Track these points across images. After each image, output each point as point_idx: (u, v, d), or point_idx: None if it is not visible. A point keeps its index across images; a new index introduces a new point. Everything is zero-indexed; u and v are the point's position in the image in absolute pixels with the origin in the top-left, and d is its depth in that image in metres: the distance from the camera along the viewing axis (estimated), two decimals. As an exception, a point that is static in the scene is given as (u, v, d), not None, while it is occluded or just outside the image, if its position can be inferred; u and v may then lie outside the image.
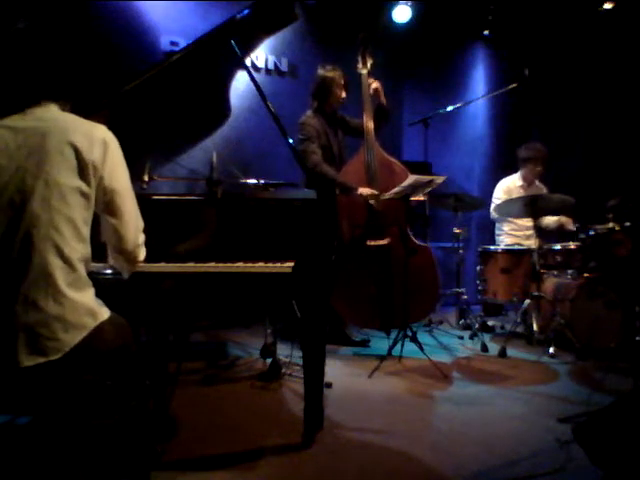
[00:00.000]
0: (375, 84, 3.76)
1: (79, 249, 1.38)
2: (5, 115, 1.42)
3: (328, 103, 3.70)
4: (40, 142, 1.37)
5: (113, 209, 1.46)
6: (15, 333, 1.30)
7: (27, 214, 1.32)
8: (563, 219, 4.30)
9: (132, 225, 1.51)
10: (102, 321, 1.41)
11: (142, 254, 1.58)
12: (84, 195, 1.39)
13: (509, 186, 4.52)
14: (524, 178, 4.49)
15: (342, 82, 3.67)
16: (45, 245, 1.32)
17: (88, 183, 1.39)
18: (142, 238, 1.57)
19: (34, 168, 1.35)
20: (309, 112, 3.70)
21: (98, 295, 1.46)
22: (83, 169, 1.38)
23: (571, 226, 4.21)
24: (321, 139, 3.64)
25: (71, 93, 1.52)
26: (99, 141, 1.43)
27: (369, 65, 3.76)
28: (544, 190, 4.47)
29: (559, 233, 4.37)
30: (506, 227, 4.53)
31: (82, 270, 1.40)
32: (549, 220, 4.35)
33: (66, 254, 1.34)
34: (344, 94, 3.70)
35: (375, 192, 3.53)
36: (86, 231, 1.41)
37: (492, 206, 4.44)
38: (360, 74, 3.76)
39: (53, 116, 1.44)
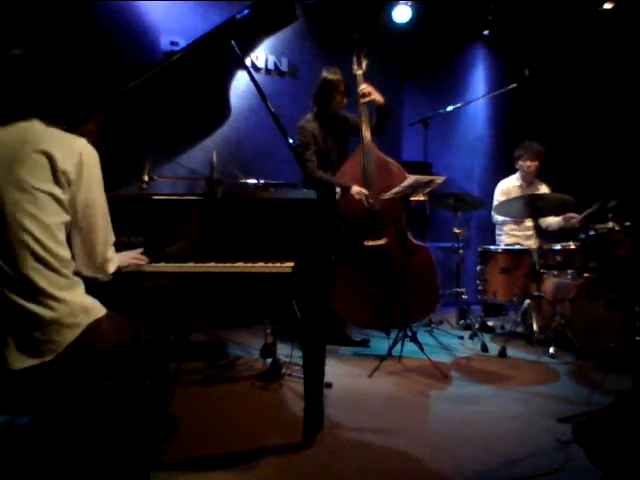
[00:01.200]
0: (365, 89, 3.64)
1: (58, 253, 1.38)
2: None
3: (329, 108, 3.69)
4: (14, 151, 1.38)
5: (84, 223, 1.47)
6: (5, 337, 1.30)
7: (2, 221, 1.33)
8: (569, 214, 4.25)
9: (101, 239, 1.52)
10: (97, 318, 1.41)
11: (112, 267, 1.57)
12: (58, 201, 1.39)
13: (508, 187, 4.53)
14: (522, 178, 4.49)
15: (342, 88, 3.65)
16: (23, 251, 1.33)
17: (63, 190, 1.39)
18: (111, 252, 1.57)
19: (7, 175, 1.35)
20: (309, 116, 3.69)
21: (98, 295, 1.47)
22: (57, 177, 1.38)
23: (575, 220, 4.16)
24: (318, 144, 3.63)
25: (62, 113, 1.53)
26: (76, 154, 1.43)
27: (364, 66, 3.75)
28: (545, 188, 4.47)
29: (559, 233, 4.36)
30: (506, 227, 4.54)
31: (66, 271, 1.40)
32: (552, 220, 4.34)
33: (45, 259, 1.35)
34: (345, 100, 3.70)
35: (364, 191, 3.52)
36: (62, 236, 1.41)
37: (492, 209, 4.45)
38: (355, 75, 3.76)
39: (31, 127, 1.45)
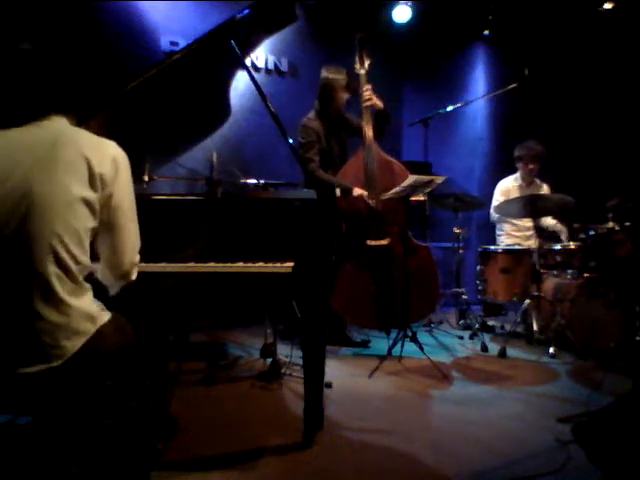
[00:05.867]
0: (367, 93, 3.63)
1: (80, 258, 1.37)
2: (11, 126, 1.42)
3: (332, 106, 3.69)
4: (50, 153, 1.36)
5: (115, 226, 1.45)
6: (17, 341, 1.30)
7: (31, 222, 1.31)
8: (558, 227, 4.31)
9: (130, 244, 1.51)
10: (102, 324, 1.41)
11: (135, 273, 1.56)
12: (90, 206, 1.38)
13: (507, 187, 4.53)
14: (522, 177, 4.50)
15: (345, 84, 3.65)
16: (44, 253, 1.31)
17: (96, 194, 1.38)
18: (137, 258, 1.56)
19: (42, 177, 1.33)
20: (311, 114, 3.69)
21: (99, 296, 1.47)
22: (93, 180, 1.37)
23: (564, 236, 4.24)
24: (321, 143, 3.64)
25: (76, 104, 1.52)
26: (110, 158, 1.42)
27: (367, 65, 3.75)
28: (545, 189, 4.47)
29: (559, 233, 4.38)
30: (506, 227, 4.54)
31: (80, 278, 1.39)
32: (550, 222, 4.36)
33: (65, 262, 1.33)
34: (347, 96, 3.69)
35: (364, 192, 3.52)
36: (88, 242, 1.41)
37: (491, 208, 4.45)
38: (358, 74, 3.76)
39: (61, 128, 1.44)
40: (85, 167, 1.37)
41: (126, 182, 1.48)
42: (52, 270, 1.32)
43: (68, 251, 1.34)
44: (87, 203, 1.37)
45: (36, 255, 1.30)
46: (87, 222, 1.39)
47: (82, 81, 1.52)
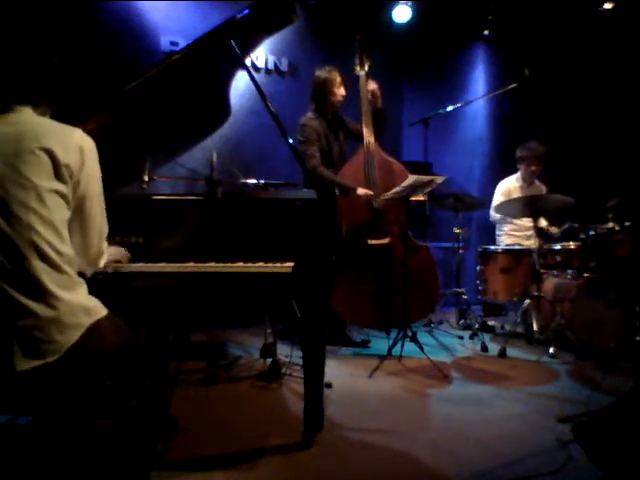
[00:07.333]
0: (372, 85, 3.74)
1: (62, 250, 1.38)
2: None
3: (327, 104, 3.69)
4: (15, 146, 1.36)
5: (83, 214, 1.47)
6: (9, 338, 1.30)
7: (8, 219, 1.32)
8: (543, 223, 4.24)
9: (97, 231, 1.52)
10: (99, 318, 1.41)
11: (103, 260, 1.59)
12: (62, 196, 1.39)
13: (508, 187, 4.53)
14: (523, 178, 4.49)
15: (338, 81, 3.66)
16: (29, 249, 1.32)
17: (65, 184, 1.39)
18: (105, 245, 1.57)
19: (11, 172, 1.34)
20: (310, 113, 3.69)
21: (98, 295, 1.47)
22: (59, 172, 1.38)
23: (555, 230, 4.22)
24: (321, 142, 3.64)
25: (48, 98, 1.52)
26: (75, 146, 1.42)
27: (367, 67, 3.76)
28: (543, 189, 4.47)
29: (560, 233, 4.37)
30: (506, 227, 4.54)
31: (70, 270, 1.40)
32: (542, 223, 4.34)
33: (50, 256, 1.34)
34: (343, 92, 3.70)
35: (370, 192, 3.53)
36: (66, 232, 1.42)
37: (491, 208, 4.45)
38: (358, 76, 3.76)
39: (27, 120, 1.44)
40: (48, 159, 1.37)
41: (93, 170, 1.48)
42: (38, 265, 1.33)
43: (48, 243, 1.35)
44: (59, 194, 1.38)
45: (20, 252, 1.32)
46: (61, 213, 1.40)
47: (49, 71, 1.51)
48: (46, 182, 1.36)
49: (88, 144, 1.47)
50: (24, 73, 1.46)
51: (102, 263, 1.59)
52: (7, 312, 1.31)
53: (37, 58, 1.48)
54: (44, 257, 1.34)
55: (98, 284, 1.53)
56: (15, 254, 1.31)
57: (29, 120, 1.44)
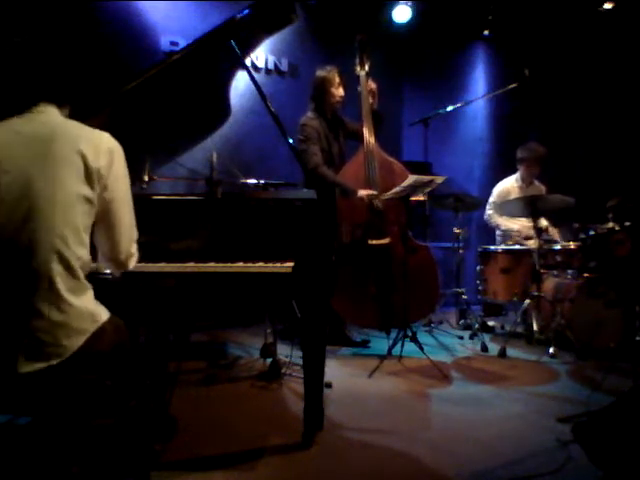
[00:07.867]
0: (372, 85, 3.76)
1: (80, 255, 1.37)
2: (3, 117, 1.42)
3: (326, 104, 3.69)
4: (47, 148, 1.36)
5: (110, 217, 1.46)
6: (17, 340, 1.30)
7: (32, 220, 1.31)
8: (543, 223, 4.24)
9: (126, 235, 1.52)
10: (102, 323, 1.41)
11: (133, 263, 1.58)
12: (88, 201, 1.39)
13: (507, 187, 4.52)
14: (522, 178, 4.49)
15: (337, 80, 3.66)
16: (48, 252, 1.31)
17: (93, 190, 1.39)
18: (135, 248, 1.57)
19: (40, 174, 1.34)
20: (309, 113, 3.69)
21: (98, 296, 1.46)
22: (89, 176, 1.38)
23: (555, 235, 4.23)
24: (321, 142, 3.64)
25: (69, 96, 1.52)
26: (105, 150, 1.43)
27: (367, 67, 3.76)
28: (543, 190, 4.47)
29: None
30: (506, 226, 4.53)
31: (82, 275, 1.39)
32: (543, 223, 4.34)
33: (68, 260, 1.34)
34: (341, 92, 3.70)
35: (374, 192, 3.53)
36: (87, 238, 1.41)
37: (487, 209, 4.45)
38: (358, 76, 3.76)
39: (58, 121, 1.44)
40: (81, 163, 1.37)
41: (121, 173, 1.48)
42: (56, 269, 1.32)
43: (70, 247, 1.34)
44: (86, 200, 1.38)
45: (40, 254, 1.31)
46: (86, 219, 1.40)
47: (75, 73, 1.52)
48: (75, 186, 1.36)
49: (117, 148, 1.47)
50: (54, 72, 1.47)
51: (132, 265, 1.58)
52: (18, 312, 1.30)
53: (56, 57, 1.49)
54: (63, 261, 1.33)
55: (98, 284, 1.53)
56: (36, 256, 1.31)
57: (61, 122, 1.44)
